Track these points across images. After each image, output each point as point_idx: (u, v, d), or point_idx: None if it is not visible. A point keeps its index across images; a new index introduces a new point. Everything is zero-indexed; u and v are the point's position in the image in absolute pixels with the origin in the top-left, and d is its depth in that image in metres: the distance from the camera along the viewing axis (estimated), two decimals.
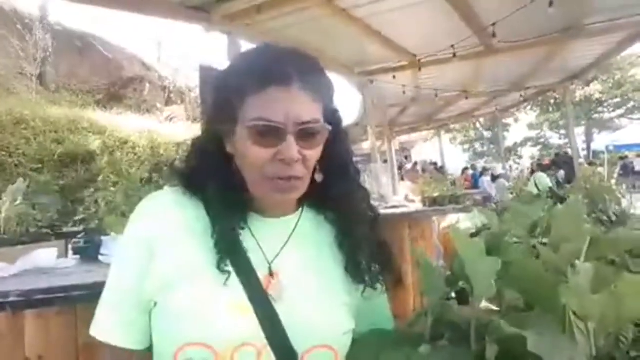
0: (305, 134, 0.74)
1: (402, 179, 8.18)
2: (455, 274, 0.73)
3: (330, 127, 0.77)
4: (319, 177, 0.81)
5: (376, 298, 0.85)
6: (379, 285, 0.84)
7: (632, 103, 24.54)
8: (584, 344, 0.64)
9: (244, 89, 0.74)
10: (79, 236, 2.14)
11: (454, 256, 0.74)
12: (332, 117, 0.81)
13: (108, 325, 0.77)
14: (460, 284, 0.79)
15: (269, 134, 0.72)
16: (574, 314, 0.64)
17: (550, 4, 4.50)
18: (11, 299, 1.33)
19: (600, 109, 25.70)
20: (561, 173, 11.26)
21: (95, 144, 6.92)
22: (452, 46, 5.98)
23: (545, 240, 0.95)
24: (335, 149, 0.83)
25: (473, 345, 0.67)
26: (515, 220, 0.78)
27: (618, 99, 24.64)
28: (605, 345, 0.65)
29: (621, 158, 15.33)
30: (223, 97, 0.78)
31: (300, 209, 0.86)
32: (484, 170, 12.82)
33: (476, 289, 0.68)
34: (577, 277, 0.66)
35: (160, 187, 0.87)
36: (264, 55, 0.80)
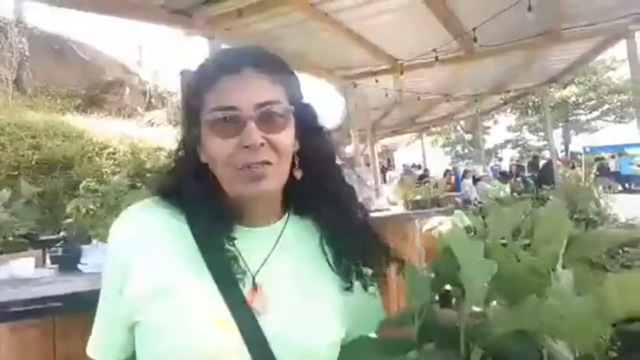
0: (265, 117, 0.72)
1: (385, 182, 8.23)
2: (441, 276, 0.73)
3: (292, 108, 0.75)
4: (298, 174, 0.78)
5: (371, 299, 0.82)
6: (371, 288, 0.81)
7: (606, 105, 25.23)
8: (568, 344, 0.64)
9: (199, 90, 0.75)
10: (58, 245, 2.09)
11: (437, 258, 0.74)
12: (302, 109, 0.79)
13: (97, 345, 0.79)
14: (447, 287, 0.79)
15: (227, 122, 0.71)
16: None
17: (529, 8, 4.60)
18: None
19: (577, 111, 26.35)
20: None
21: (73, 149, 6.77)
22: (434, 50, 6.06)
23: (527, 243, 0.96)
24: (311, 144, 0.80)
25: (462, 350, 0.67)
26: (497, 223, 0.79)
27: (594, 101, 25.31)
28: (588, 346, 0.65)
29: (597, 159, 15.77)
30: (186, 106, 0.78)
31: (286, 216, 0.83)
32: (465, 172, 12.92)
33: (468, 292, 0.68)
34: (558, 280, 0.67)
35: (142, 195, 0.85)
36: (215, 55, 0.82)
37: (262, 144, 0.71)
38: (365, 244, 0.81)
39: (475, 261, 0.63)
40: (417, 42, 6.21)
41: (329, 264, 0.80)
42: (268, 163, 0.72)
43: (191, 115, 0.76)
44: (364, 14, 5.28)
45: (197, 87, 0.75)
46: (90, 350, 0.79)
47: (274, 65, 0.77)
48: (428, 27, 5.65)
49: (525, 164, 17.09)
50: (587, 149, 20.42)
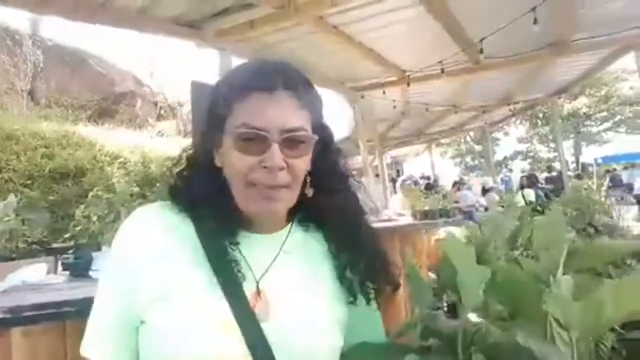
0: (290, 142, 0.74)
1: (395, 192, 8.20)
2: (443, 283, 0.74)
3: (316, 137, 0.78)
4: (309, 192, 0.81)
5: (369, 314, 0.84)
6: (372, 302, 0.83)
7: (618, 117, 25.00)
8: (566, 351, 0.65)
9: (230, 97, 0.76)
10: (69, 252, 2.12)
11: (440, 266, 0.76)
12: (321, 130, 0.81)
13: (96, 344, 0.76)
14: (448, 294, 0.81)
15: (253, 141, 0.73)
16: (556, 321, 0.66)
17: (535, 21, 4.62)
18: None
19: (587, 122, 26.13)
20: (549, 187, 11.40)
21: (85, 159, 6.87)
22: (440, 62, 6.09)
23: (527, 252, 0.97)
24: (326, 165, 0.83)
25: (460, 354, 0.68)
26: (493, 230, 0.80)
27: (605, 113, 25.09)
28: (585, 352, 0.66)
29: (608, 171, 15.52)
30: (211, 108, 0.79)
31: (290, 224, 0.85)
32: (462, 183, 12.37)
33: (464, 297, 0.69)
34: (558, 286, 0.68)
35: (150, 202, 0.86)
36: (249, 65, 0.83)
37: (281, 168, 0.73)
38: (370, 260, 0.83)
39: (469, 267, 0.64)
40: (424, 54, 6.25)
41: (333, 276, 0.82)
42: (284, 187, 0.74)
43: (215, 119, 0.77)
44: (371, 26, 5.34)
45: (228, 94, 0.76)
46: (87, 350, 0.76)
47: (303, 88, 0.78)
48: (435, 39, 5.69)
49: (536, 176, 16.81)
50: (599, 160, 20.11)
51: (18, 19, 11.83)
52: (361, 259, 0.82)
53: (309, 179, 0.81)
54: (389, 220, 4.39)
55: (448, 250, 0.66)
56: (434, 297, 0.77)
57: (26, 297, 1.51)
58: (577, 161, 25.69)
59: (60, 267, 2.07)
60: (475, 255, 0.63)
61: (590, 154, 24.69)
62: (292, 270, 0.80)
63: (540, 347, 0.57)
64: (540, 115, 24.64)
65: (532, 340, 0.58)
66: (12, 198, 2.28)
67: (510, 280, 0.70)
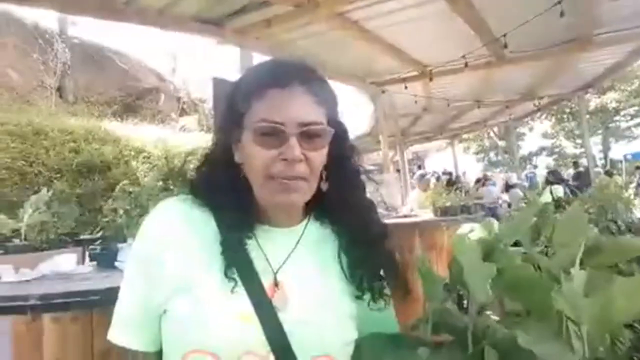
0: (307, 135, 0.76)
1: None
2: (453, 279, 0.75)
3: (333, 131, 0.80)
4: (324, 186, 0.83)
5: (382, 310, 0.86)
6: (384, 298, 0.85)
7: None
8: (579, 349, 0.65)
9: (249, 95, 0.79)
10: (96, 243, 2.21)
11: (451, 262, 0.77)
12: (336, 126, 0.83)
13: (122, 331, 0.80)
14: (459, 290, 0.81)
15: (272, 135, 0.75)
16: (569, 318, 0.66)
17: (562, 14, 4.51)
18: (31, 302, 1.39)
19: (617, 117, 25.31)
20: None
21: (111, 153, 7.04)
22: (464, 56, 6.00)
23: (547, 249, 0.96)
24: (340, 161, 0.85)
25: (470, 349, 0.69)
26: (509, 227, 0.81)
27: (636, 108, 24.26)
28: (599, 349, 0.66)
29: (638, 167, 15.00)
30: (231, 106, 0.82)
31: (307, 219, 0.87)
32: (486, 178, 12.07)
33: (472, 294, 0.70)
34: (570, 282, 0.68)
35: (173, 195, 0.90)
36: (266, 64, 0.86)
37: (300, 160, 0.76)
38: (379, 257, 0.85)
39: (475, 264, 0.66)
40: (447, 49, 6.17)
41: (345, 271, 0.85)
42: (302, 178, 0.77)
43: (235, 115, 0.80)
44: (392, 21, 5.30)
45: (246, 91, 0.80)
46: (114, 336, 0.80)
47: (318, 84, 0.81)
48: (458, 34, 5.61)
49: (561, 172, 16.37)
50: (629, 156, 19.47)
51: (48, 19, 12.17)
52: (370, 255, 0.84)
53: (324, 174, 0.83)
54: (408, 216, 4.38)
55: (455, 248, 0.68)
56: (447, 292, 0.78)
57: (56, 286, 1.59)
58: (605, 157, 24.97)
59: (87, 258, 2.15)
60: (481, 252, 0.64)
61: (619, 150, 23.94)
62: (307, 264, 0.83)
63: (544, 346, 0.58)
64: (567, 110, 23.99)
65: (537, 338, 0.59)
66: (44, 192, 2.38)
67: (520, 277, 0.71)
